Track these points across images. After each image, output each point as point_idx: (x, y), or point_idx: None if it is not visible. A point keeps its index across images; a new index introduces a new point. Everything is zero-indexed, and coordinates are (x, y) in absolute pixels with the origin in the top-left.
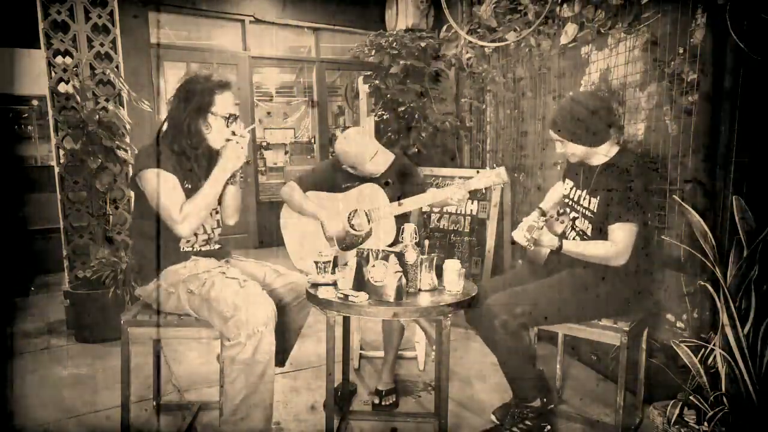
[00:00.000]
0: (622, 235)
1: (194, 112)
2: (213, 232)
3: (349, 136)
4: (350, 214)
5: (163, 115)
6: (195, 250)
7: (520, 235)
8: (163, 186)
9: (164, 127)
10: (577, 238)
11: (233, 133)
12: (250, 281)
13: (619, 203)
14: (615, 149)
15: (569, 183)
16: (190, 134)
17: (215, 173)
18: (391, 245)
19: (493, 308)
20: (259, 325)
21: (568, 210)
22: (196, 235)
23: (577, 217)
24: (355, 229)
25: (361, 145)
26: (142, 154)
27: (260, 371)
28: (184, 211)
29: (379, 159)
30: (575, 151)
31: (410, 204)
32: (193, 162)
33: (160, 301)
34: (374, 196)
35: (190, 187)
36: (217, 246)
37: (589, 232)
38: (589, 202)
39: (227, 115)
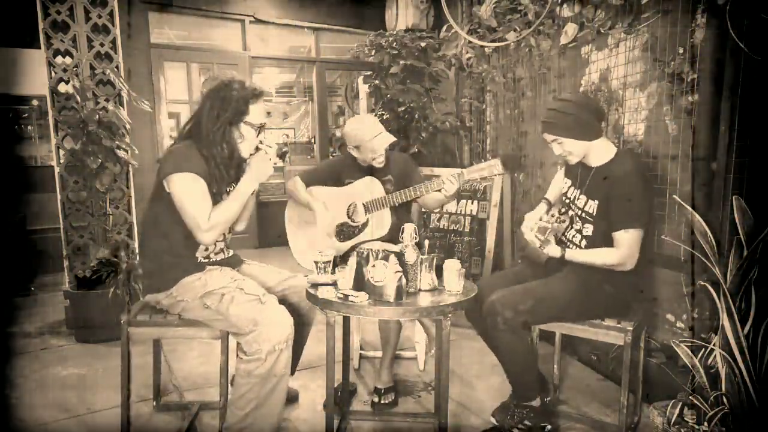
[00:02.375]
0: (627, 243)
1: (229, 120)
2: (226, 238)
3: (357, 117)
4: (349, 206)
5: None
6: (211, 260)
7: (531, 234)
8: (194, 192)
9: (191, 130)
10: (577, 236)
11: (261, 143)
12: (269, 296)
13: (622, 210)
14: (612, 152)
15: (567, 181)
16: (223, 141)
17: (243, 185)
18: (386, 238)
19: (495, 305)
20: (281, 342)
21: (567, 210)
22: (214, 243)
23: (574, 216)
24: (353, 221)
25: (368, 123)
26: (173, 156)
27: (273, 384)
28: (212, 219)
29: (383, 138)
30: (572, 149)
31: (403, 195)
32: (221, 169)
33: (171, 308)
34: (373, 189)
35: (215, 191)
36: (230, 253)
37: (589, 233)
38: (585, 203)
39: (259, 125)
